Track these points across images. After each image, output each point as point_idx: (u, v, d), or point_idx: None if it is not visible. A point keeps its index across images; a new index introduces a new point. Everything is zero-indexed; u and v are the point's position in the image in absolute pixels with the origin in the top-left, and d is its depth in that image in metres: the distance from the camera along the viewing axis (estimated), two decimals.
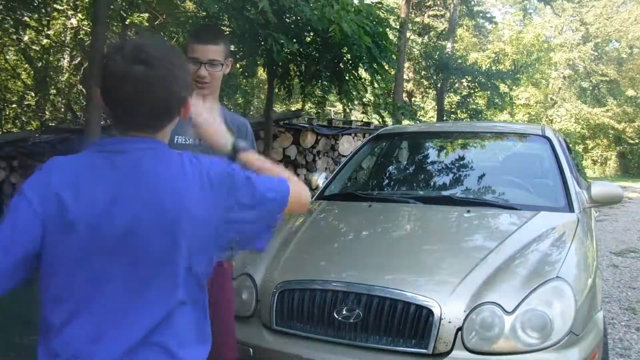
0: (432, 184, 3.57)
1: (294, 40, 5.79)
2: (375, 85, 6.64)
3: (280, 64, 5.81)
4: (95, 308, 1.03)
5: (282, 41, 5.03)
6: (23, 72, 12.07)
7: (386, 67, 6.25)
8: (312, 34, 5.78)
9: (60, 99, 11.87)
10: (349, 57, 5.99)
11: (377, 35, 5.67)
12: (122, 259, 1.04)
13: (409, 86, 16.61)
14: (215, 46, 1.95)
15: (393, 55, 6.23)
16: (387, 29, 6.24)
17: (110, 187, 1.04)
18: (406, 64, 14.48)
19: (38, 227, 1.03)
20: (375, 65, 5.87)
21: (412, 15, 15.43)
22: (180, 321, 1.09)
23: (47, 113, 11.72)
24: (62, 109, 12.18)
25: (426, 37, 17.01)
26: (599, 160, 30.29)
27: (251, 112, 15.24)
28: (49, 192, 1.03)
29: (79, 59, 11.38)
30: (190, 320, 1.12)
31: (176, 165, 1.10)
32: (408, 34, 14.41)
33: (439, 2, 16.67)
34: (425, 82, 16.23)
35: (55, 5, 9.58)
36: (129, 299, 1.04)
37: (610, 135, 27.73)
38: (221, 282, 1.99)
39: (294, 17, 5.47)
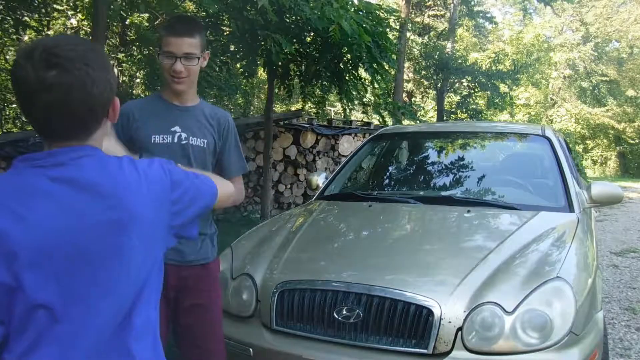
0: (432, 184, 3.57)
1: (294, 40, 5.80)
2: (376, 85, 6.64)
3: (280, 64, 5.81)
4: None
5: (280, 42, 5.03)
6: None
7: (386, 67, 6.25)
8: (312, 34, 5.78)
9: None
10: (349, 57, 5.99)
11: (377, 34, 5.67)
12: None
13: (409, 86, 16.61)
14: (191, 39, 1.83)
15: (393, 55, 6.23)
16: (387, 29, 6.24)
17: (53, 204, 0.96)
18: (406, 64, 14.49)
19: None
20: (375, 65, 5.87)
21: (412, 15, 15.43)
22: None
23: None
24: None
25: (426, 37, 17.01)
26: (599, 160, 30.30)
27: (251, 112, 15.24)
28: None
29: None
30: None
31: (117, 171, 1.05)
32: (408, 34, 14.41)
33: (439, 2, 16.68)
34: (425, 82, 16.23)
35: (55, 5, 9.58)
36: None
37: (610, 135, 27.74)
38: (208, 282, 1.96)
39: (294, 17, 5.47)
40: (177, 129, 1.89)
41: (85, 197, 0.99)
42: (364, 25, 5.23)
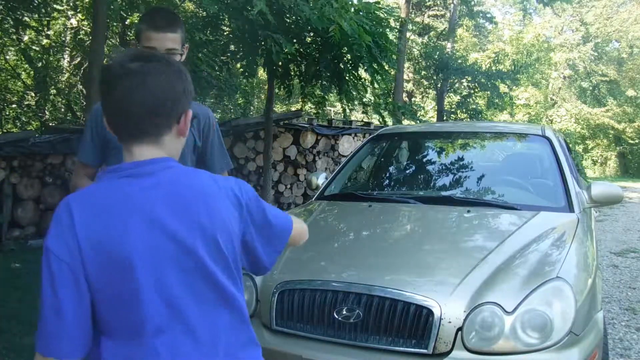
0: (432, 184, 3.57)
1: (294, 40, 5.79)
2: (376, 85, 6.64)
3: (280, 63, 5.81)
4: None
5: (280, 42, 5.03)
6: (23, 72, 12.07)
7: (386, 67, 6.25)
8: (312, 34, 5.78)
9: (60, 99, 11.87)
10: (349, 57, 5.99)
11: (377, 34, 5.67)
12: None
13: (408, 86, 16.61)
14: (173, 34, 1.77)
15: (393, 56, 6.23)
16: (387, 29, 6.24)
17: (144, 212, 1.01)
18: (406, 64, 14.48)
19: (80, 281, 0.98)
20: (375, 66, 5.87)
21: (412, 15, 15.43)
22: None
23: (47, 113, 11.72)
24: (62, 109, 12.18)
25: (426, 37, 17.01)
26: (599, 160, 30.29)
27: (251, 112, 15.23)
28: (74, 238, 0.98)
29: (79, 59, 11.38)
30: None
31: (208, 182, 1.09)
32: (408, 34, 14.41)
33: (439, 2, 16.67)
34: (425, 82, 16.23)
35: (55, 5, 9.58)
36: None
37: (610, 135, 27.73)
38: None
39: (294, 17, 5.47)
40: None
41: (175, 206, 1.03)
42: (364, 25, 5.23)
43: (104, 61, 6.80)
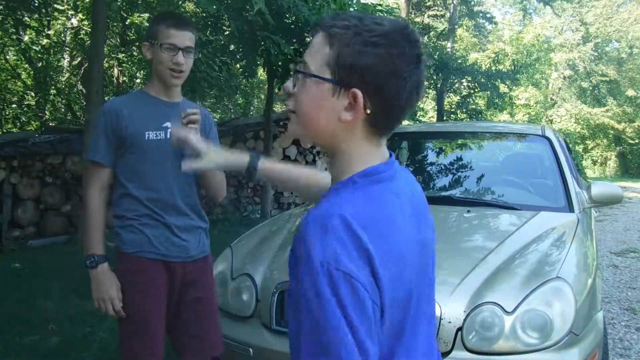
0: (432, 184, 3.57)
1: (294, 40, 5.80)
2: None
3: (279, 63, 5.81)
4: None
5: (279, 43, 5.04)
6: (23, 72, 12.07)
7: None
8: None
9: (60, 99, 11.87)
10: None
11: None
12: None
13: None
14: (191, 34, 1.85)
15: None
16: None
17: (414, 220, 0.88)
18: None
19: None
20: None
21: (412, 15, 15.42)
22: None
23: (47, 113, 11.72)
24: (62, 109, 12.18)
25: (426, 37, 17.00)
26: (599, 160, 30.29)
27: (251, 112, 15.23)
28: (370, 258, 0.76)
29: (79, 59, 11.39)
30: None
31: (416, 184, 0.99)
32: None
33: (439, 2, 16.67)
34: (425, 82, 16.22)
35: (55, 6, 9.58)
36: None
37: (610, 135, 27.74)
38: (207, 275, 1.98)
39: (293, 17, 5.47)
40: (168, 124, 1.85)
41: (422, 212, 0.94)
42: None
43: (104, 61, 6.80)
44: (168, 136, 1.81)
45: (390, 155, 0.91)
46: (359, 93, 0.81)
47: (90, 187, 1.84)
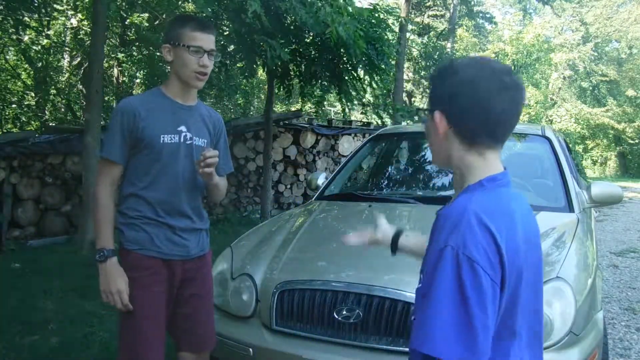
0: (431, 184, 3.57)
1: (293, 40, 5.80)
2: (374, 85, 6.64)
3: (279, 64, 5.82)
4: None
5: (275, 48, 5.05)
6: (23, 72, 12.08)
7: (384, 68, 6.25)
8: (311, 34, 5.79)
9: (60, 99, 11.88)
10: (347, 59, 6.00)
11: (374, 39, 5.69)
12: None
13: (408, 86, 16.61)
14: (214, 37, 1.87)
15: (391, 59, 6.24)
16: (387, 31, 6.25)
17: (521, 224, 1.05)
18: (406, 64, 14.48)
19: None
20: (371, 68, 5.91)
21: (412, 16, 15.43)
22: None
23: (47, 113, 11.72)
24: (62, 109, 12.18)
25: (426, 37, 17.01)
26: (599, 160, 30.31)
27: (251, 112, 15.24)
28: (497, 244, 0.99)
29: (79, 59, 11.39)
30: None
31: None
32: (408, 34, 14.40)
33: (439, 2, 16.68)
34: (425, 82, 16.22)
35: (55, 6, 9.58)
36: None
37: (610, 135, 27.75)
38: (205, 272, 2.01)
39: (292, 17, 5.48)
40: (183, 128, 1.87)
41: (531, 220, 1.12)
42: (359, 31, 5.26)
43: (104, 61, 6.80)
44: (181, 140, 1.86)
45: (505, 168, 1.12)
46: (437, 114, 1.10)
47: (102, 183, 1.85)
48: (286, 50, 5.31)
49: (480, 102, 1.05)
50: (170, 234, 1.86)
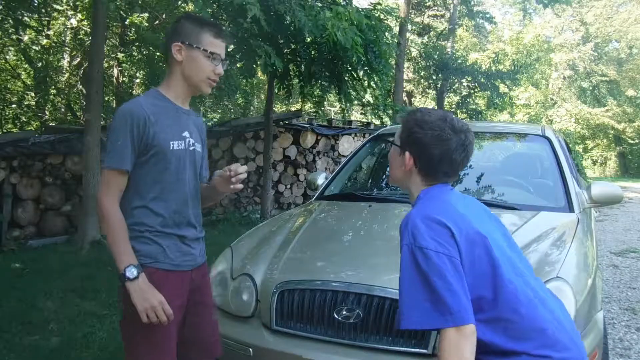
0: None
1: (292, 41, 5.80)
2: (374, 86, 6.65)
3: (270, 70, 5.83)
4: None
5: (270, 54, 5.07)
6: (23, 72, 12.07)
7: (382, 69, 6.25)
8: (312, 34, 5.79)
9: (60, 99, 11.87)
10: (346, 60, 6.01)
11: (373, 43, 5.70)
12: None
13: (408, 86, 16.61)
14: (226, 44, 1.82)
15: (391, 61, 6.24)
16: (385, 32, 6.25)
17: (462, 206, 1.44)
18: (405, 64, 14.48)
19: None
20: (369, 70, 5.92)
21: (412, 16, 15.42)
22: None
23: (47, 113, 11.72)
24: (62, 109, 12.18)
25: (426, 37, 17.01)
26: (599, 160, 30.32)
27: (251, 112, 15.24)
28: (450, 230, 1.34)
29: (79, 59, 11.39)
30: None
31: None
32: (407, 34, 14.40)
33: (439, 2, 16.67)
34: (424, 82, 16.23)
35: (55, 6, 9.59)
36: None
37: (610, 135, 27.76)
38: (206, 280, 1.97)
39: (291, 19, 5.49)
40: (186, 134, 1.80)
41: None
42: (358, 37, 5.27)
43: (104, 61, 6.80)
44: (187, 146, 1.79)
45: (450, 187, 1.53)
46: (407, 155, 1.50)
47: (111, 196, 1.69)
48: (284, 53, 5.31)
49: (446, 156, 1.43)
50: (180, 244, 1.79)
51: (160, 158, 1.72)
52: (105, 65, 9.29)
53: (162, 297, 1.65)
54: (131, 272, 1.63)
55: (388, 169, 1.61)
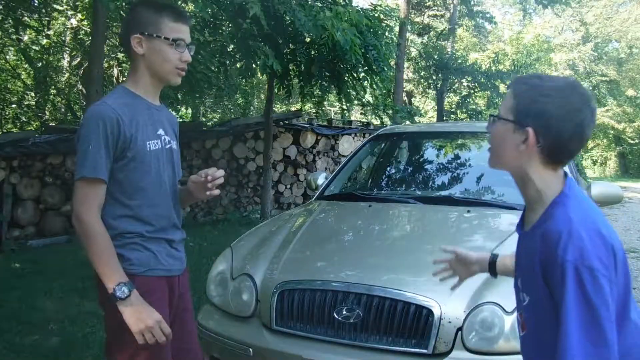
0: (431, 184, 3.57)
1: (292, 41, 5.80)
2: (374, 86, 6.65)
3: (268, 71, 5.84)
4: None
5: (268, 55, 5.07)
6: (23, 72, 12.07)
7: (382, 70, 6.25)
8: (311, 35, 5.80)
9: (60, 99, 11.87)
10: (345, 60, 6.01)
11: (372, 44, 5.71)
12: None
13: (408, 86, 16.61)
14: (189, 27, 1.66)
15: (391, 61, 6.25)
16: (385, 33, 6.25)
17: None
18: (405, 64, 14.48)
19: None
20: (369, 71, 5.92)
21: (412, 16, 15.42)
22: None
23: (47, 113, 11.72)
24: (62, 109, 12.18)
25: (426, 37, 17.01)
26: (599, 160, 30.30)
27: (251, 112, 15.23)
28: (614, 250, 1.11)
29: (79, 59, 11.38)
30: None
31: None
32: (407, 35, 14.40)
33: (439, 2, 16.67)
34: (424, 82, 16.23)
35: (55, 5, 9.58)
36: None
37: (610, 135, 27.74)
38: (187, 285, 1.87)
39: (291, 19, 5.49)
40: (161, 132, 1.68)
41: None
42: (357, 38, 5.28)
43: (104, 61, 6.80)
44: (162, 144, 1.68)
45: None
46: (531, 131, 1.14)
47: (91, 208, 1.53)
48: (284, 54, 5.31)
49: (578, 131, 1.13)
50: (169, 248, 1.70)
51: (139, 161, 1.60)
52: (105, 65, 9.28)
53: (159, 315, 1.53)
54: (122, 292, 1.49)
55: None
